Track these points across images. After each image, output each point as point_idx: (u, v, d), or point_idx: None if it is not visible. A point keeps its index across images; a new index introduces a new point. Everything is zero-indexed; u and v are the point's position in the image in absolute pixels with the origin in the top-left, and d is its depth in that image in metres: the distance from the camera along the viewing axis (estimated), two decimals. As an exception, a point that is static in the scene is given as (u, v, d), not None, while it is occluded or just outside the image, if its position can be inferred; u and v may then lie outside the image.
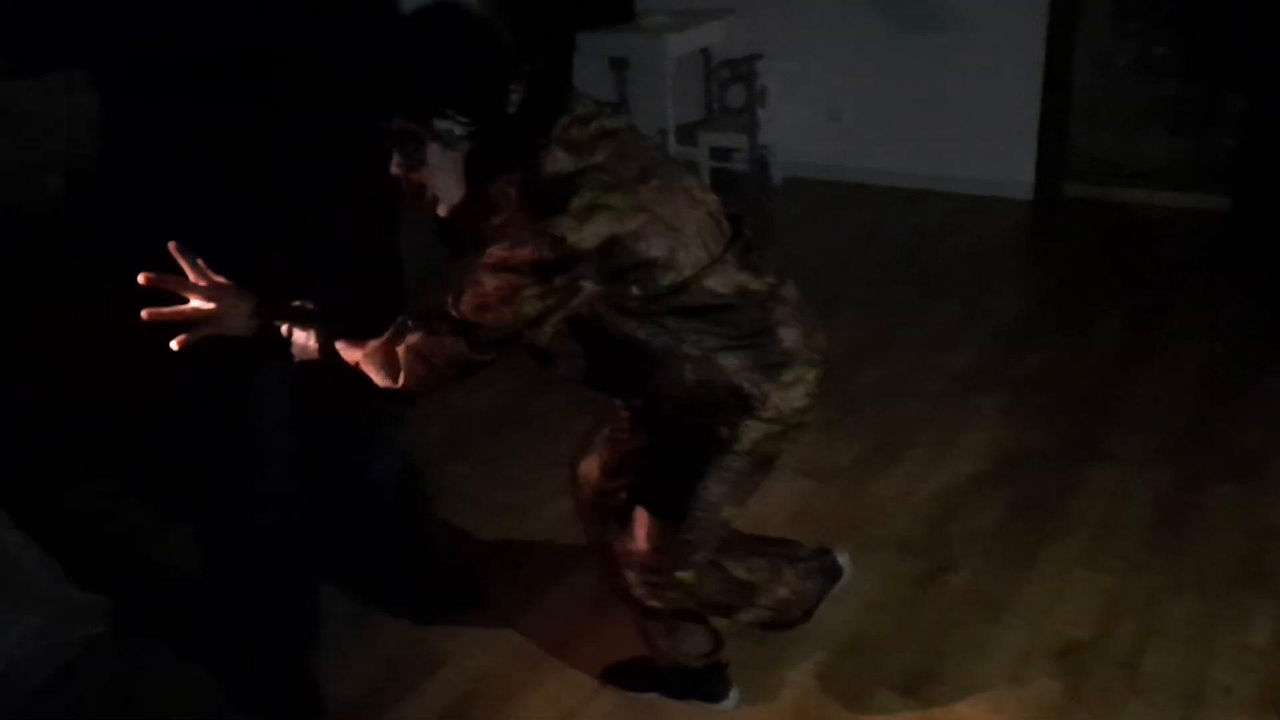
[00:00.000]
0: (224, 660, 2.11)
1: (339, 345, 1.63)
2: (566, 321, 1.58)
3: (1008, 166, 4.67)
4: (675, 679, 2.05)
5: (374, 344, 1.60)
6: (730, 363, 1.64)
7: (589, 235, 1.48)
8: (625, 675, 2.09)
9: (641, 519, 1.78)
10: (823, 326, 1.78)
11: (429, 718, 2.07)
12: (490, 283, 1.50)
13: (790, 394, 1.68)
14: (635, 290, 1.56)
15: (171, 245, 1.57)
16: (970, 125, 4.71)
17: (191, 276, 1.59)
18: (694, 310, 1.61)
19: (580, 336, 1.64)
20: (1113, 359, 3.30)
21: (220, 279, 1.62)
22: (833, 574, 2.10)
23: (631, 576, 1.83)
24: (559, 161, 1.49)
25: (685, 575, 1.81)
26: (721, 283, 1.62)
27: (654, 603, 1.87)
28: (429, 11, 1.50)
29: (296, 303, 1.67)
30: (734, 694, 2.06)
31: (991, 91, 4.61)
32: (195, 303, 1.59)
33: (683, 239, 1.58)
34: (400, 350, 1.58)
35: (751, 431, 1.69)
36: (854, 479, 2.76)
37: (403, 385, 1.59)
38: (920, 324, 3.63)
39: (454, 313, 1.53)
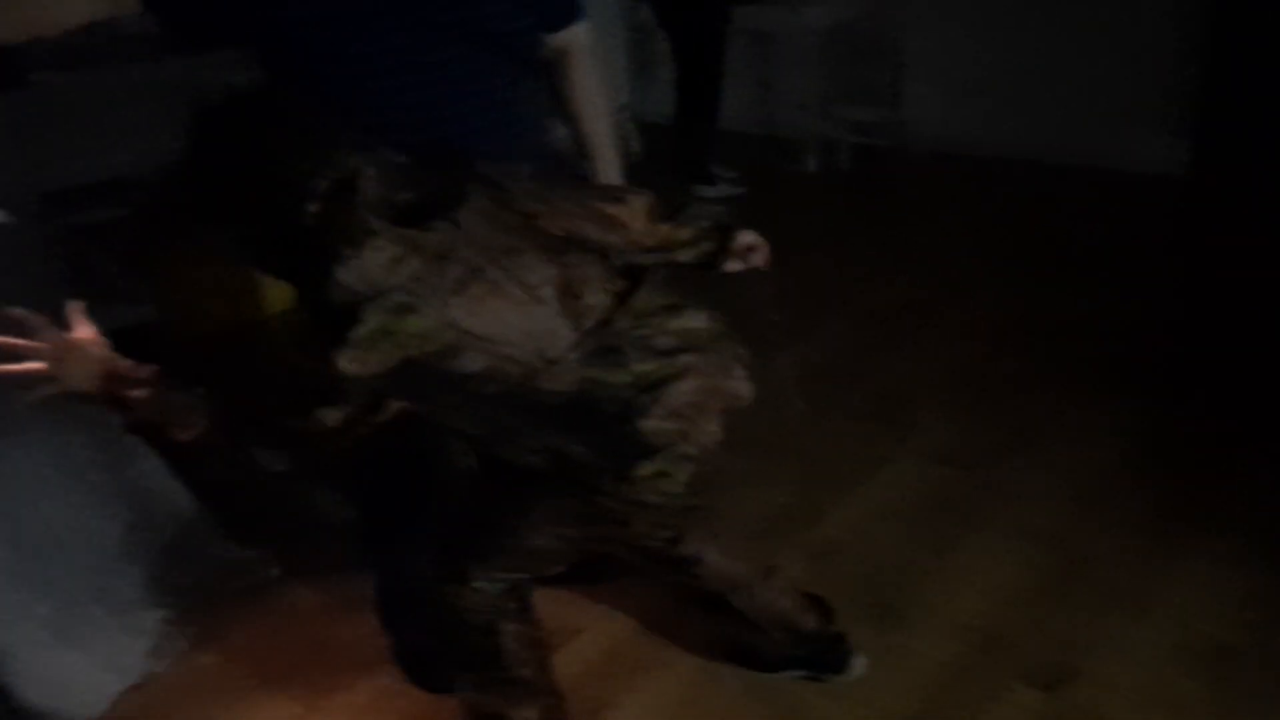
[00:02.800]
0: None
1: None
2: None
3: (1162, 142, 4.45)
4: (796, 655, 2.04)
5: None
6: (575, 450, 1.53)
7: (373, 364, 1.37)
8: (755, 656, 2.10)
9: None
10: (729, 410, 1.64)
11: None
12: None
13: (644, 488, 1.56)
14: (455, 399, 1.48)
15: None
16: (1122, 98, 4.50)
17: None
18: (528, 409, 1.50)
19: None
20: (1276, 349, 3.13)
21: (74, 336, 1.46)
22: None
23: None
24: (351, 283, 1.37)
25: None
26: (562, 383, 1.49)
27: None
28: (223, 107, 1.42)
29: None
30: (859, 661, 2.05)
31: (1146, 62, 4.39)
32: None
33: (504, 352, 1.45)
34: None
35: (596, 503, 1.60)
36: (991, 466, 2.69)
37: None
38: (1063, 308, 3.50)
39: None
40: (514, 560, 1.68)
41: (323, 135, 1.43)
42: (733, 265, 1.82)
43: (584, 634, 2.23)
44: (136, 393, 1.44)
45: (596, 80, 1.92)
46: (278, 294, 3.43)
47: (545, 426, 1.52)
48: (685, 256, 1.75)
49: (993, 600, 2.23)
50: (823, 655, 2.05)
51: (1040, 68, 4.65)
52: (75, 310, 1.45)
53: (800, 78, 4.71)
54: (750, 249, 1.83)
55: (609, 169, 1.97)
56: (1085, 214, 4.27)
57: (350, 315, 1.36)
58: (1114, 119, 4.54)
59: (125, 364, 1.46)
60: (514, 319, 1.46)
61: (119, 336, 1.50)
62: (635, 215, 1.65)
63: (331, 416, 1.39)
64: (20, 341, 1.43)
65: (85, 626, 2.09)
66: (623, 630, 2.24)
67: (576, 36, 1.87)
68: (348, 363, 1.35)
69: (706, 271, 1.78)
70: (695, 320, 1.63)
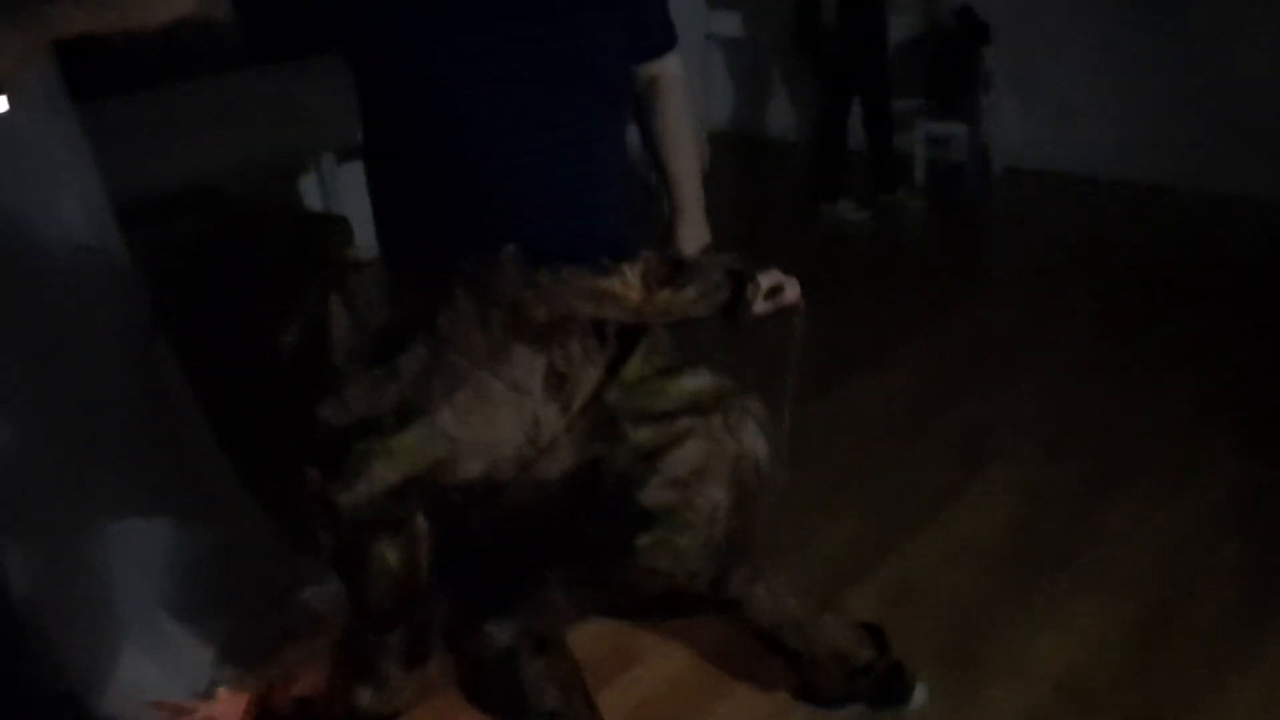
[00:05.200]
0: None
1: None
2: None
3: (1260, 165, 4.26)
4: (855, 688, 1.98)
5: None
6: (579, 528, 1.51)
7: (372, 488, 1.40)
8: (816, 691, 2.03)
9: None
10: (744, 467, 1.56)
11: (617, 713, 2.08)
12: None
13: (646, 558, 1.51)
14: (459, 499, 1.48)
15: None
16: (1219, 119, 4.33)
17: None
18: (529, 497, 1.50)
19: None
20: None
21: None
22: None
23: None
24: (333, 419, 1.40)
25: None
26: (559, 467, 1.49)
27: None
28: (191, 250, 1.46)
29: None
30: (921, 690, 1.98)
31: (1246, 81, 4.21)
32: None
33: (497, 453, 1.45)
34: None
35: None
36: (1078, 506, 2.58)
37: None
38: (1160, 339, 3.36)
39: None
40: (526, 614, 1.68)
41: (294, 277, 1.44)
42: (761, 308, 1.72)
43: (644, 661, 2.19)
44: None
45: (686, 111, 1.85)
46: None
47: (547, 509, 1.50)
48: (699, 311, 1.65)
49: (1075, 649, 2.13)
50: (883, 687, 1.98)
51: (1135, 86, 4.50)
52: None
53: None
54: (776, 289, 1.73)
55: (691, 204, 1.90)
56: (1182, 238, 4.11)
57: (338, 444, 1.38)
58: (1210, 139, 4.37)
59: None
60: (503, 417, 1.45)
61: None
62: (630, 286, 1.57)
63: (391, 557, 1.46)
64: None
65: (156, 635, 2.12)
66: (684, 659, 2.19)
67: (668, 65, 1.80)
68: (341, 493, 1.37)
69: (733, 321, 1.68)
70: (696, 381, 1.58)
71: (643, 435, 1.50)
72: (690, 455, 1.51)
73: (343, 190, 3.54)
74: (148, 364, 1.95)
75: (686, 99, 1.85)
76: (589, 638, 2.25)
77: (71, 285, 1.94)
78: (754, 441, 1.58)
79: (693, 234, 1.90)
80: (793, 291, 1.76)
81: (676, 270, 1.64)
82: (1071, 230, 4.31)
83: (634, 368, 1.54)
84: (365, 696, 1.73)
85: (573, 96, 1.59)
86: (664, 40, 1.77)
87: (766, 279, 1.73)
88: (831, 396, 3.08)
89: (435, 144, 1.54)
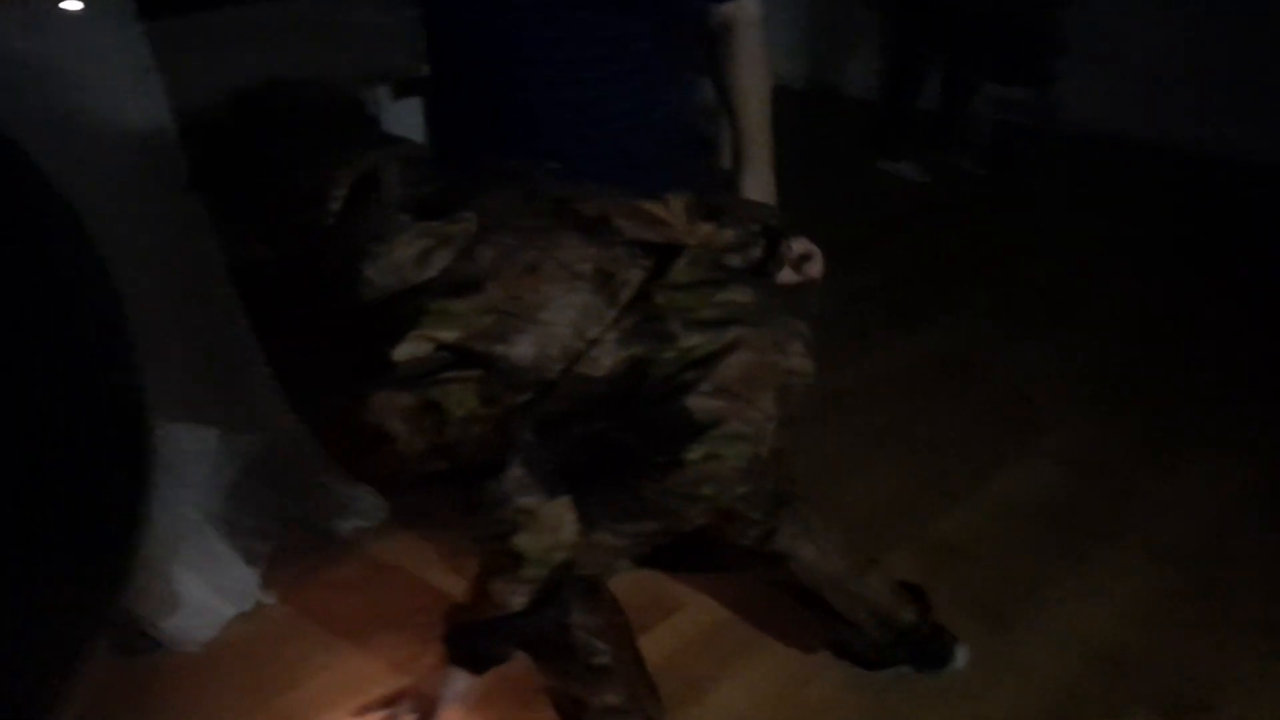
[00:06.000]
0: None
1: None
2: None
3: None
4: (896, 650, 1.97)
5: None
6: (623, 437, 1.47)
7: (420, 340, 1.32)
8: (856, 652, 2.03)
9: None
10: (796, 387, 1.51)
11: (653, 660, 2.08)
12: None
13: (695, 473, 1.47)
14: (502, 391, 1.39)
15: None
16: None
17: None
18: (573, 398, 1.43)
19: None
20: None
21: None
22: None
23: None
24: (381, 280, 1.33)
25: None
26: (603, 366, 1.42)
27: None
28: (235, 101, 1.38)
29: None
30: (962, 652, 1.97)
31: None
32: None
33: (547, 332, 1.38)
34: None
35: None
36: (1124, 474, 2.55)
37: None
38: (1214, 308, 3.29)
39: None
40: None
41: (344, 133, 1.39)
42: (786, 277, 1.70)
43: (684, 610, 2.19)
44: None
45: (762, 58, 1.82)
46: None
47: (592, 414, 1.46)
48: (731, 262, 1.64)
49: (1117, 618, 2.11)
50: (924, 649, 1.98)
51: (1212, 53, 4.36)
52: None
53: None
54: (805, 257, 1.71)
55: (759, 157, 1.87)
56: (1244, 210, 4.01)
57: (385, 309, 1.33)
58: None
59: None
60: (552, 298, 1.40)
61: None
62: (675, 214, 1.56)
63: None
64: None
65: (203, 552, 2.15)
66: (724, 610, 2.19)
67: (746, 6, 1.77)
68: (398, 348, 1.31)
69: (760, 278, 1.66)
70: (741, 294, 1.53)
71: (692, 339, 1.46)
72: (741, 364, 1.47)
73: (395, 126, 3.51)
74: (200, 276, 1.94)
75: (762, 45, 1.81)
76: (630, 583, 2.26)
77: (126, 195, 1.94)
78: (802, 361, 1.55)
79: (757, 188, 1.87)
80: (817, 266, 1.72)
81: (718, 211, 1.62)
82: (1135, 196, 4.21)
83: (681, 271, 1.50)
84: (524, 541, 1.49)
85: (637, 24, 1.58)
86: None
87: (798, 245, 1.70)
88: (876, 354, 3.05)
89: (494, 67, 1.54)
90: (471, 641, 1.71)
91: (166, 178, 2.00)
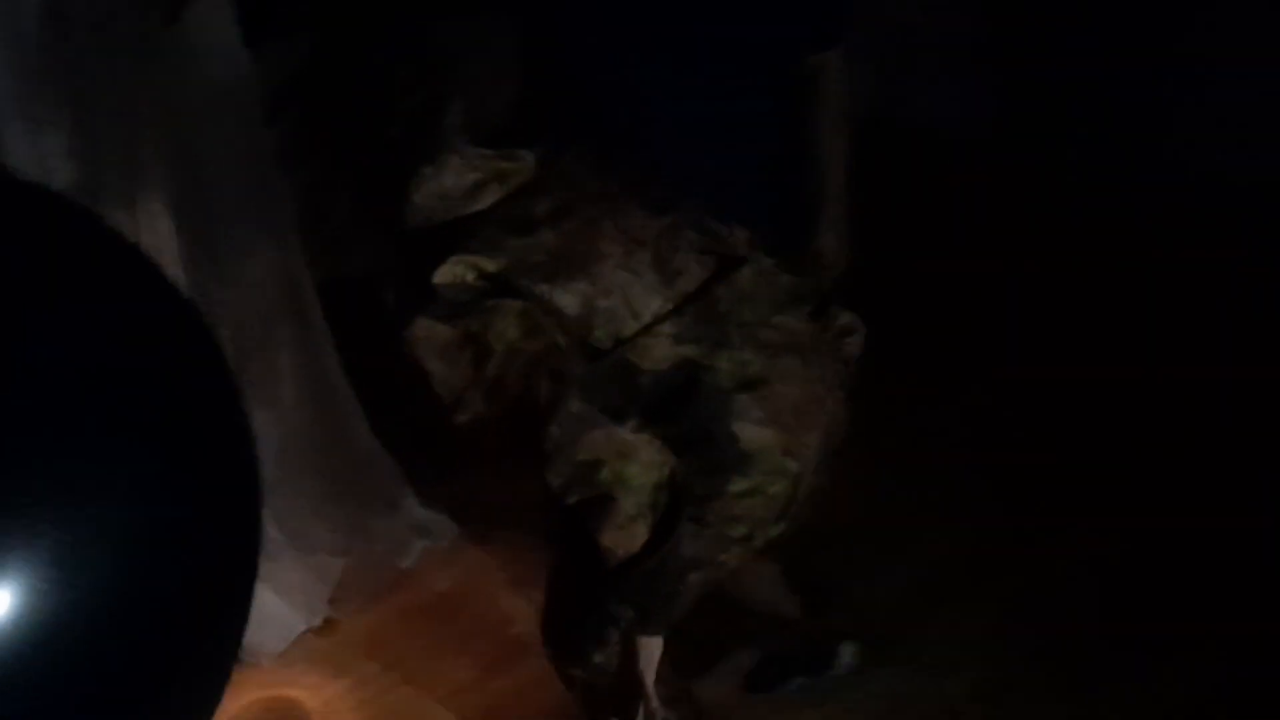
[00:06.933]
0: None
1: None
2: None
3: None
4: (795, 660, 1.86)
5: None
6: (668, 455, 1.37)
7: (463, 265, 1.26)
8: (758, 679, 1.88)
9: None
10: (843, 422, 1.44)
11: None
12: None
13: (737, 507, 1.38)
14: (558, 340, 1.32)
15: None
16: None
17: None
18: (624, 386, 1.34)
19: None
20: None
21: None
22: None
23: None
24: (426, 205, 1.29)
25: None
26: (655, 359, 1.34)
27: None
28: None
29: None
30: (847, 648, 1.85)
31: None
32: None
33: (594, 291, 1.30)
34: None
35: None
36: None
37: None
38: None
39: None
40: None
41: (432, 59, 1.34)
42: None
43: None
44: None
45: (844, 109, 1.80)
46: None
47: (641, 410, 1.38)
48: (780, 309, 1.57)
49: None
50: (814, 653, 1.86)
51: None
52: None
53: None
54: (846, 332, 1.62)
55: (832, 203, 1.87)
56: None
57: (433, 237, 1.29)
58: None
59: None
60: (607, 258, 1.33)
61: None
62: (736, 240, 1.52)
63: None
64: None
65: (278, 565, 2.18)
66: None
67: (834, 57, 1.75)
68: (439, 271, 1.27)
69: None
70: (799, 322, 1.48)
71: (747, 356, 1.40)
72: (793, 395, 1.42)
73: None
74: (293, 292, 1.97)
75: (845, 96, 1.81)
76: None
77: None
78: (840, 407, 1.50)
79: (829, 236, 1.86)
80: (856, 344, 1.64)
81: (781, 259, 1.57)
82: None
83: (748, 279, 1.44)
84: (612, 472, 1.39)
85: (752, 78, 1.59)
86: (838, 29, 1.74)
87: (844, 316, 1.64)
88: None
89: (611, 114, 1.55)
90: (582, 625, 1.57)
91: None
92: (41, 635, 0.32)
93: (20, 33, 1.49)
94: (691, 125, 1.62)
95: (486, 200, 1.30)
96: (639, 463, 1.38)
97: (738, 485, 1.39)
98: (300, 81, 1.39)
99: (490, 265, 1.29)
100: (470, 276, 1.29)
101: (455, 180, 1.29)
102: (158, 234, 1.61)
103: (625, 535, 1.39)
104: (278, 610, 2.15)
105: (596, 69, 1.55)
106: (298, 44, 1.46)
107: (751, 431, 1.38)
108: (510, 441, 1.42)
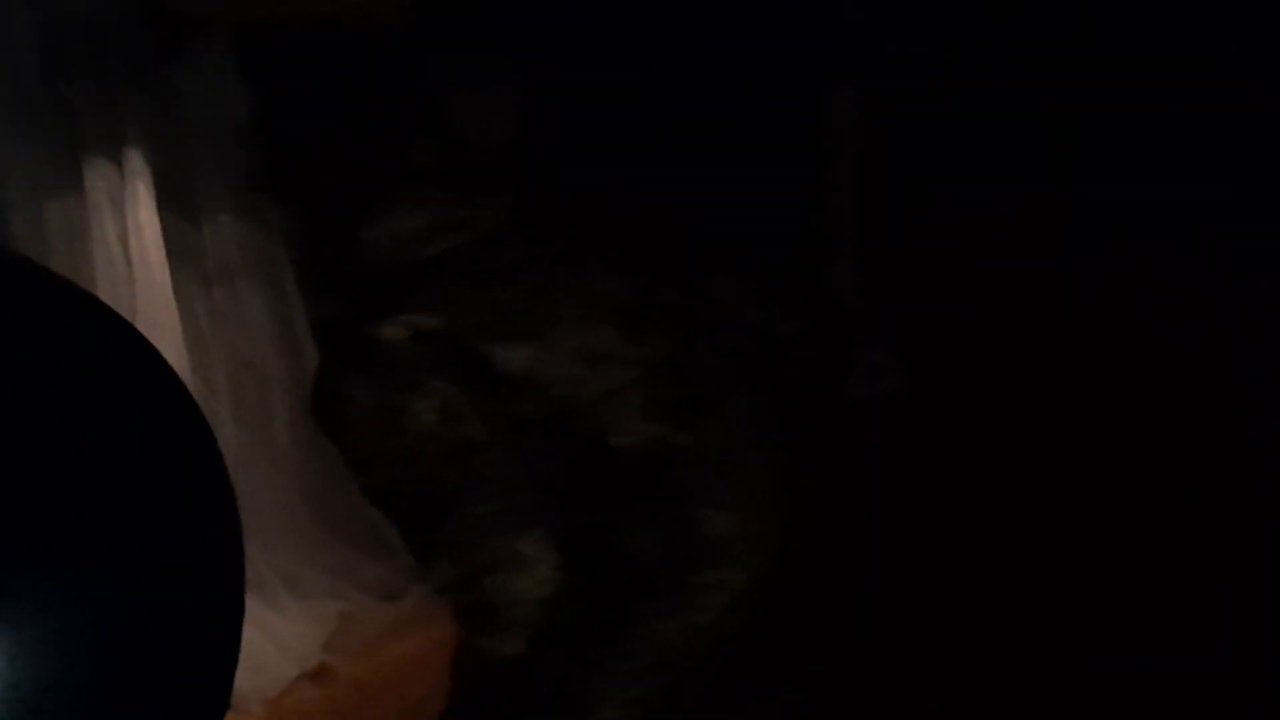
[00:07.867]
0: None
1: None
2: None
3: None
4: None
5: None
6: (633, 538, 1.30)
7: (405, 324, 1.23)
8: None
9: None
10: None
11: None
12: None
13: (695, 601, 1.29)
14: (490, 404, 1.26)
15: None
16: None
17: None
18: (590, 465, 1.26)
19: None
20: None
21: None
22: None
23: None
24: (376, 244, 1.24)
25: None
26: (625, 435, 1.27)
27: None
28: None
29: None
30: None
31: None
32: None
33: (556, 352, 1.24)
34: None
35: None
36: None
37: None
38: None
39: None
40: None
41: (410, 95, 1.31)
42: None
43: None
44: None
45: (855, 146, 1.83)
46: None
47: (607, 493, 1.33)
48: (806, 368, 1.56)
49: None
50: None
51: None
52: None
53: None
54: (878, 367, 1.60)
55: (847, 246, 1.87)
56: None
57: (383, 280, 1.25)
58: None
59: None
60: (564, 318, 1.28)
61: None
62: (724, 300, 1.48)
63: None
64: None
65: (271, 610, 2.14)
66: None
67: (848, 107, 1.79)
68: (385, 327, 1.24)
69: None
70: (766, 394, 1.44)
71: (715, 433, 1.33)
72: (761, 478, 1.35)
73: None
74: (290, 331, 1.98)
75: (856, 147, 1.83)
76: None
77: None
78: (808, 487, 1.44)
79: (842, 282, 1.85)
80: (894, 379, 1.61)
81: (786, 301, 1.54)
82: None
83: (722, 343, 1.41)
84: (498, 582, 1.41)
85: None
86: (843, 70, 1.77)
87: (874, 353, 1.61)
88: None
89: None
90: None
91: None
92: (21, 698, 0.31)
93: (17, 64, 1.50)
94: (692, 171, 1.62)
95: (441, 246, 1.26)
96: (531, 577, 1.34)
97: (705, 577, 1.32)
98: (285, 115, 1.38)
99: (431, 323, 1.26)
100: (404, 336, 1.26)
101: (408, 222, 1.26)
102: (149, 266, 1.60)
103: (499, 642, 1.41)
104: (270, 656, 2.10)
105: (588, 112, 1.55)
106: (291, 84, 1.46)
107: (720, 518, 1.31)
108: (413, 519, 1.37)
